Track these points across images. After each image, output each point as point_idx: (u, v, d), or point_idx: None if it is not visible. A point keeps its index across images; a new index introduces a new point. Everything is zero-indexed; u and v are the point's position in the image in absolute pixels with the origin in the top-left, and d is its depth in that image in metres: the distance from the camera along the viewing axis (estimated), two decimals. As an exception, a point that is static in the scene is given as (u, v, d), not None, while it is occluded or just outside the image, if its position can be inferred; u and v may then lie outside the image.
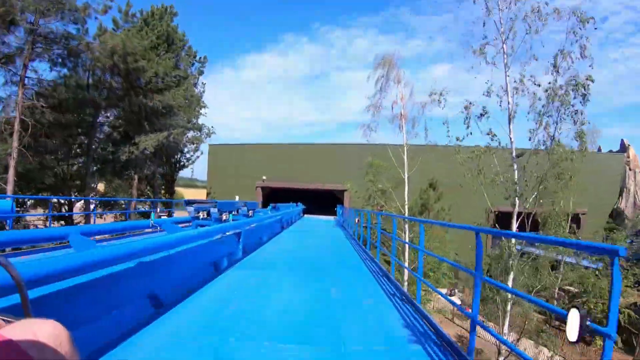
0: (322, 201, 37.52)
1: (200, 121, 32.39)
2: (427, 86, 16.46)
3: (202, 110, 32.99)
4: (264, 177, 33.06)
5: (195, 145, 32.65)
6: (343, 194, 31.49)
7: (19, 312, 0.64)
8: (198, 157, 33.07)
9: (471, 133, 11.37)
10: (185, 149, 32.31)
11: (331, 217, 29.40)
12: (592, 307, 16.82)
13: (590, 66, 9.96)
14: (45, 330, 0.55)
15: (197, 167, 48.70)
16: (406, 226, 15.85)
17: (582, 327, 1.75)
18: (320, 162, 32.87)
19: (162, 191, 31.86)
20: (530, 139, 10.92)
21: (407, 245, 15.57)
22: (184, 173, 37.68)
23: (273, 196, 33.75)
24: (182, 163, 31.37)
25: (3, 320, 0.56)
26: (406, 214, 15.80)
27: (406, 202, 15.93)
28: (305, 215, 30.37)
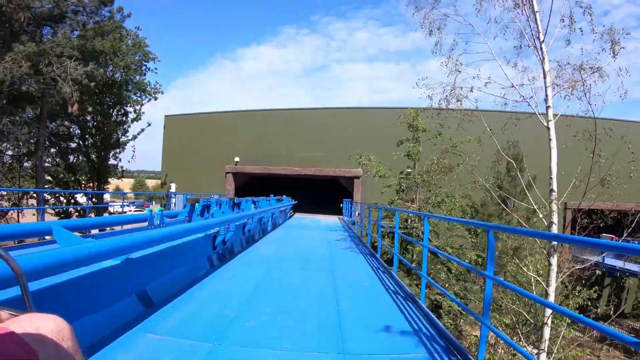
0: (322, 193, 27.76)
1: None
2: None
3: (150, 65, 23.27)
4: (237, 159, 22.94)
5: (136, 113, 22.68)
6: (353, 183, 21.49)
7: (19, 304, 0.61)
8: (143, 129, 23.01)
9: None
10: (126, 119, 22.26)
11: (335, 218, 19.63)
12: None
13: None
14: (48, 325, 0.55)
15: (153, 149, 38.74)
16: (553, 261, 5.73)
17: None
18: (320, 136, 22.74)
19: (88, 180, 21.87)
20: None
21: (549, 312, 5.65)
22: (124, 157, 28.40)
23: (250, 185, 23.78)
24: (114, 138, 21.31)
25: (7, 314, 0.56)
26: (555, 229, 5.73)
27: (554, 184, 5.77)
28: (297, 215, 20.68)
